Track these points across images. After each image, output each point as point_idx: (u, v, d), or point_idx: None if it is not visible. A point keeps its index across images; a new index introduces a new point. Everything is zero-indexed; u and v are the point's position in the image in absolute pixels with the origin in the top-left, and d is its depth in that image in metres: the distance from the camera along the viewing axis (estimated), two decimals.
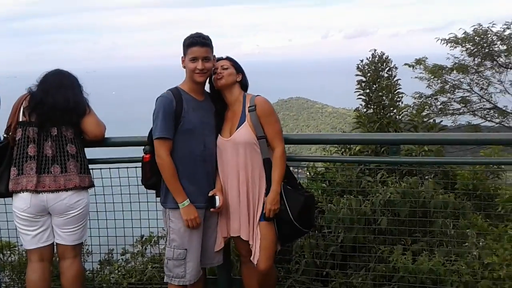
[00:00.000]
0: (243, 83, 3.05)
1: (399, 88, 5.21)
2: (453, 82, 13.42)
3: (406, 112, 5.09)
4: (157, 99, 2.91)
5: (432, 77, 13.40)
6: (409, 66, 13.54)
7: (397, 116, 5.01)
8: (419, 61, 13.57)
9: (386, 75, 5.36)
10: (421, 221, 3.90)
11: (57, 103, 3.02)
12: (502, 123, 13.18)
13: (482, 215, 4.53)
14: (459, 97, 13.56)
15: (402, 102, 5.17)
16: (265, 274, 2.97)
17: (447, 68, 13.10)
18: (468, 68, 13.07)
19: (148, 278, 3.96)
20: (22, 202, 2.98)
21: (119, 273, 4.13)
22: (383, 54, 5.83)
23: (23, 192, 2.97)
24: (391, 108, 5.13)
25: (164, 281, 3.01)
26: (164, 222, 3.08)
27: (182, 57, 2.94)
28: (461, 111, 14.06)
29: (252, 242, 2.94)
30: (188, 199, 2.86)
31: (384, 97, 5.20)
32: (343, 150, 5.60)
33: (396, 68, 5.72)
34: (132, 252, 4.28)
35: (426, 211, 3.89)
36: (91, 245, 3.77)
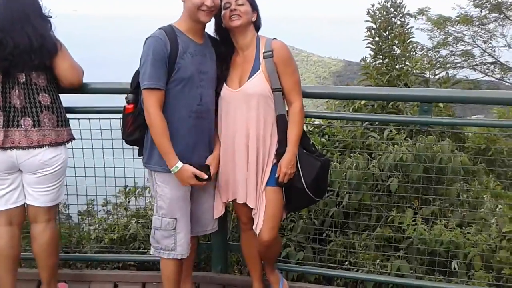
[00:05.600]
0: (256, 23, 2.55)
1: (412, 37, 4.74)
2: (456, 35, 12.90)
3: (419, 65, 4.64)
4: (146, 39, 2.39)
5: (435, 28, 12.85)
6: (411, 16, 12.93)
7: (409, 69, 4.57)
8: (421, 11, 12.99)
9: (398, 22, 4.85)
10: (436, 184, 3.57)
11: (18, 43, 2.47)
12: (503, 78, 12.82)
13: (495, 178, 4.26)
14: (461, 50, 13.09)
15: (416, 53, 4.71)
16: (268, 245, 2.60)
17: (452, 20, 12.55)
18: (473, 20, 12.52)
19: (132, 235, 3.61)
20: None
21: (100, 227, 3.76)
22: None
23: None
24: (403, 59, 4.69)
25: (151, 253, 2.62)
26: (151, 185, 2.66)
27: None
28: (460, 65, 13.65)
29: (256, 210, 2.56)
30: (179, 161, 2.40)
31: (395, 47, 4.74)
32: (344, 104, 5.20)
33: (410, 15, 5.20)
34: (114, 203, 3.86)
35: (440, 174, 3.57)
36: (68, 194, 3.27)
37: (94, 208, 3.80)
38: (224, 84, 2.53)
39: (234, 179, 2.58)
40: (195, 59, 2.43)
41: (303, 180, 2.49)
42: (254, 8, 2.49)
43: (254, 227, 2.56)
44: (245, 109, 2.49)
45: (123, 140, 2.64)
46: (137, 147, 2.62)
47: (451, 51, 13.18)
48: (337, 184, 3.56)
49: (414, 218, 3.34)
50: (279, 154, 2.51)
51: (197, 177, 2.42)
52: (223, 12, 2.44)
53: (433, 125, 2.31)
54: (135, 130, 2.50)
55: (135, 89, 2.50)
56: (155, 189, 2.54)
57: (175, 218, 2.50)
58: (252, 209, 2.58)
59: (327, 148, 4.63)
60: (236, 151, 2.53)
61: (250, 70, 2.48)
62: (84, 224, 3.85)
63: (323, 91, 2.79)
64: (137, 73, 2.47)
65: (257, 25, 2.55)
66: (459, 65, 13.65)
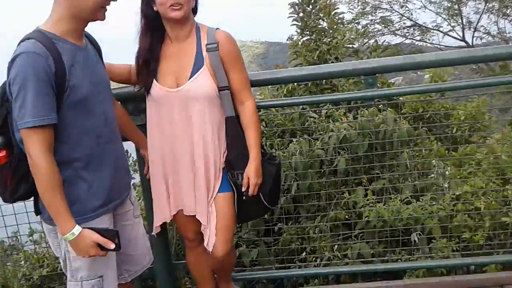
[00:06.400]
0: (195, 7, 2.15)
1: (337, 8, 4.58)
2: (374, 3, 13.11)
3: (348, 36, 4.50)
4: (15, 58, 1.68)
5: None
6: None
7: (338, 41, 4.41)
8: None
9: None
10: (382, 157, 3.46)
11: None
12: (423, 39, 13.22)
13: (438, 140, 4.24)
14: (380, 18, 13.34)
15: (343, 25, 4.56)
16: (223, 260, 2.27)
17: None
18: None
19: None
20: None
21: (27, 263, 3.31)
22: None
23: None
24: (331, 32, 4.52)
25: None
26: (52, 244, 1.99)
27: None
28: (381, 32, 13.94)
29: (206, 224, 2.21)
30: (77, 226, 1.75)
31: (321, 20, 4.56)
32: (277, 87, 4.99)
33: None
34: (41, 231, 3.37)
35: (385, 146, 3.46)
36: None
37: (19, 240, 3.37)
38: (155, 82, 2.10)
39: (177, 192, 2.22)
40: (85, 70, 1.83)
41: (260, 192, 2.18)
42: None
43: (205, 243, 2.21)
44: (186, 112, 2.10)
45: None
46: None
47: (371, 20, 13.39)
48: (283, 173, 3.37)
49: (367, 196, 3.21)
50: (228, 161, 2.18)
51: (100, 246, 1.80)
52: (158, 1, 2.01)
53: (379, 98, 2.15)
54: (19, 184, 1.83)
55: (1, 128, 1.80)
56: (64, 248, 1.88)
57: (101, 277, 1.91)
58: (199, 222, 2.23)
59: (265, 136, 4.45)
60: (179, 161, 2.17)
61: (192, 66, 2.08)
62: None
63: (268, 76, 2.44)
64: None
65: (195, 10, 2.16)
66: (380, 32, 13.92)
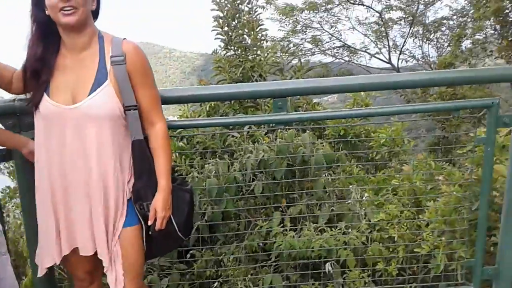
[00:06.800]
0: (95, 11, 1.85)
1: (261, 24, 4.46)
2: (304, 22, 13.32)
3: (272, 54, 4.37)
4: None
5: (283, 17, 13.10)
6: (260, 7, 13.01)
7: (262, 58, 4.28)
8: (269, 1, 13.13)
9: (246, 8, 4.52)
10: (302, 182, 3.35)
11: None
12: (352, 60, 13.59)
13: (357, 163, 4.21)
14: (311, 37, 13.57)
15: (266, 41, 4.44)
16: None
17: (298, 8, 12.89)
18: (318, 5, 13.01)
19: None
20: None
21: None
22: None
23: None
24: (255, 49, 4.38)
25: None
26: None
27: None
28: (312, 51, 14.18)
29: (108, 263, 1.87)
30: None
31: (245, 36, 4.41)
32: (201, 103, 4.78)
33: (258, 6, 4.91)
34: None
35: (304, 170, 3.35)
36: None
37: None
38: (46, 96, 1.78)
39: (70, 228, 1.88)
40: None
41: (174, 222, 1.91)
42: None
43: (113, 285, 1.88)
44: (83, 134, 1.78)
45: None
46: None
47: (302, 39, 13.59)
48: (197, 195, 3.16)
49: (282, 222, 3.07)
50: (136, 191, 1.88)
51: None
52: (49, 5, 1.72)
53: (290, 123, 2.00)
54: None
55: None
56: None
57: None
58: (95, 260, 1.90)
59: (186, 153, 4.23)
60: (71, 192, 1.82)
61: (93, 81, 1.77)
62: None
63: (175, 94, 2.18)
64: None
65: (96, 13, 1.85)
66: (311, 51, 14.16)
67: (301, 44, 13.68)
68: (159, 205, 1.84)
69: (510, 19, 9.16)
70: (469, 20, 12.16)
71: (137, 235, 1.89)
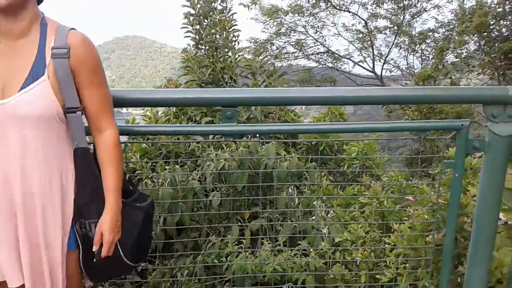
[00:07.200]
0: None
1: (235, 25, 4.22)
2: (289, 25, 13.13)
3: (243, 56, 4.14)
4: None
5: (268, 19, 12.90)
6: (244, 6, 12.78)
7: (233, 60, 4.04)
8: (254, 1, 12.91)
9: (220, 7, 4.26)
10: (266, 192, 3.15)
11: None
12: (335, 67, 13.43)
13: (328, 176, 4.03)
14: (295, 41, 13.38)
15: (238, 42, 4.20)
16: None
17: (283, 10, 12.69)
18: (304, 9, 12.83)
19: None
20: None
21: None
22: None
23: None
24: (226, 50, 4.14)
25: None
26: None
27: None
28: (295, 55, 13.99)
29: None
30: None
31: (217, 36, 4.16)
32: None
33: (243, 5, 4.68)
34: None
35: (268, 180, 3.15)
36: None
37: None
38: None
39: None
40: None
41: (119, 247, 1.62)
42: None
43: None
44: (10, 138, 1.48)
45: None
46: None
47: (286, 42, 13.38)
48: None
49: (242, 236, 2.86)
50: (78, 207, 1.58)
51: None
52: None
53: (239, 135, 1.80)
54: None
55: None
56: None
57: None
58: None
59: (149, 156, 4.02)
60: None
61: (27, 74, 1.48)
62: None
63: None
64: None
65: None
66: (294, 55, 13.96)
67: (285, 47, 13.48)
68: (106, 228, 1.55)
69: (493, 35, 9.10)
70: (454, 33, 12.11)
71: (74, 260, 1.60)
